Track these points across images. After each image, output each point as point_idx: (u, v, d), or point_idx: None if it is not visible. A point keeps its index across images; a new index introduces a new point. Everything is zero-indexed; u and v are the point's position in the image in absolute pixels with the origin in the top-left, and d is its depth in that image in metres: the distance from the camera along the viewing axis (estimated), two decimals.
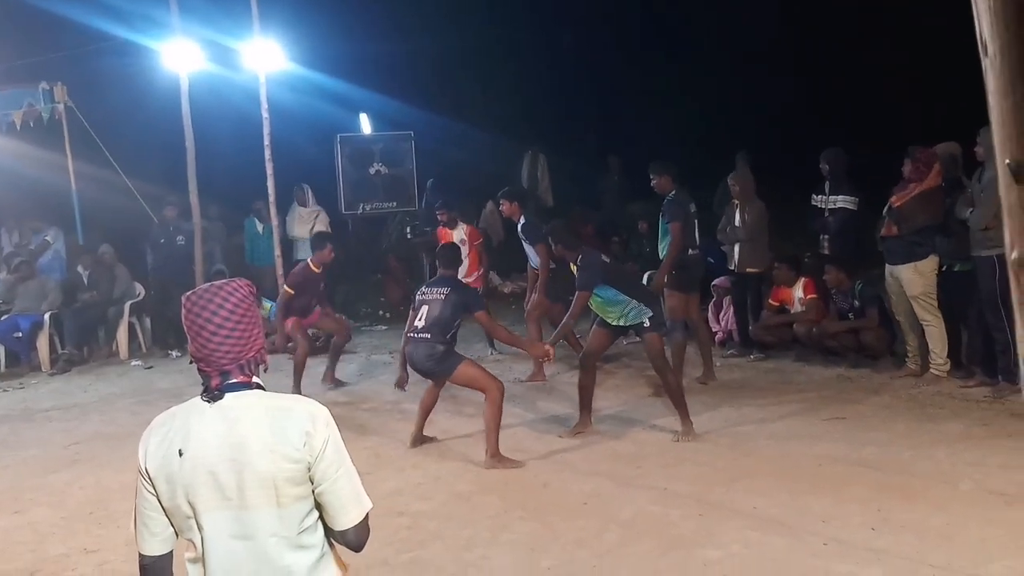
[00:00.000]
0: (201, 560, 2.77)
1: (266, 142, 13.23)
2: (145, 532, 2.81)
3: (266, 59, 12.54)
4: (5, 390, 11.52)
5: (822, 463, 7.17)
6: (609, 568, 5.58)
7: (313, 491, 2.81)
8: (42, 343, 12.41)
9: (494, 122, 17.52)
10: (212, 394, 2.78)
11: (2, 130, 13.25)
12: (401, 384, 8.35)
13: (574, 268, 7.99)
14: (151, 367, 12.39)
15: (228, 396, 2.78)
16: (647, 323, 7.92)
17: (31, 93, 13.47)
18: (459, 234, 11.40)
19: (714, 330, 11.28)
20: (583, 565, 5.64)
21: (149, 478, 2.75)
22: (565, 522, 6.31)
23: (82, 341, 12.98)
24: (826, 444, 7.62)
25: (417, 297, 8.00)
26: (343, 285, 14.84)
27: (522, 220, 10.68)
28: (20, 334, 12.40)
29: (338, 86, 15.45)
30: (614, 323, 8.02)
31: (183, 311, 2.85)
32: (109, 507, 7.05)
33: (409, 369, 8.11)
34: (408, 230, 15.87)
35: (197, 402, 2.80)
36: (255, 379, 2.85)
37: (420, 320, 7.81)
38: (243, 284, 2.88)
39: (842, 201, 10.30)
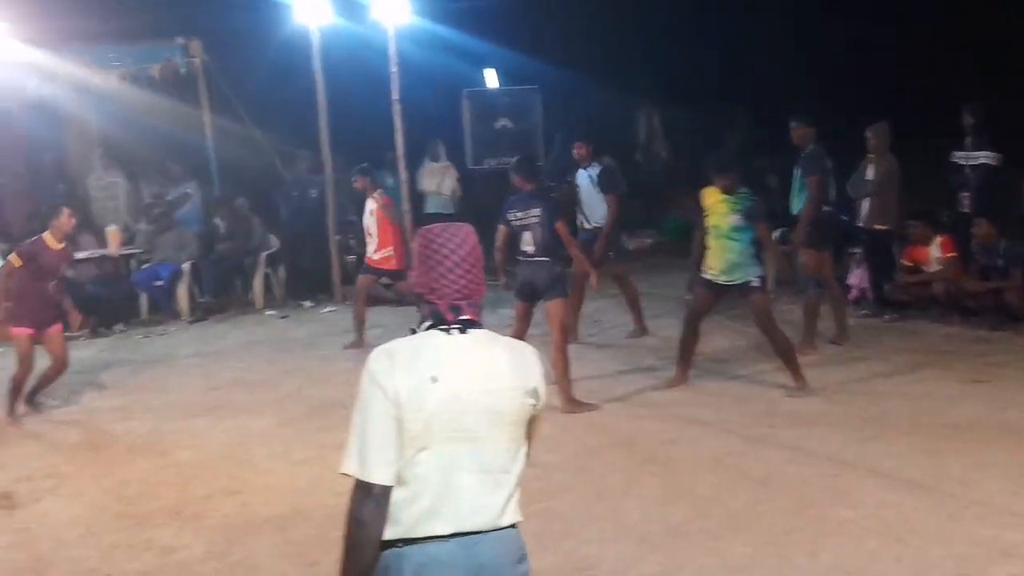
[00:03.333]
0: (414, 494, 2.74)
1: (395, 96, 13.35)
2: (382, 458, 2.71)
3: (394, 12, 12.62)
4: (147, 336, 11.96)
5: (960, 425, 6.99)
6: (743, 525, 5.55)
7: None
8: (182, 292, 12.82)
9: (617, 75, 17.31)
10: (457, 326, 2.81)
11: (141, 84, 13.61)
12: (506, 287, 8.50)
13: (721, 204, 7.85)
14: (285, 316, 12.70)
15: (471, 331, 2.82)
16: (756, 282, 7.84)
17: (168, 48, 13.82)
18: (370, 205, 10.52)
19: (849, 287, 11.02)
20: (716, 521, 5.63)
21: (397, 403, 2.72)
22: (696, 478, 6.30)
23: (219, 290, 13.38)
24: (965, 406, 7.42)
25: (512, 221, 8.05)
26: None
27: (597, 166, 10.24)
28: (161, 283, 12.83)
29: (464, 40, 15.43)
30: (723, 279, 7.91)
31: (420, 241, 2.89)
32: (249, 451, 7.28)
33: None
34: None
35: (436, 334, 2.81)
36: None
37: (528, 245, 7.95)
38: (472, 228, 2.94)
39: (984, 157, 9.94)
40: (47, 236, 8.44)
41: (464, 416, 2.75)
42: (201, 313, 12.82)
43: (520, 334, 8.32)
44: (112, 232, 13.18)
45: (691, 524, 5.62)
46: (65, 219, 8.50)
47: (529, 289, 8.07)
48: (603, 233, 10.02)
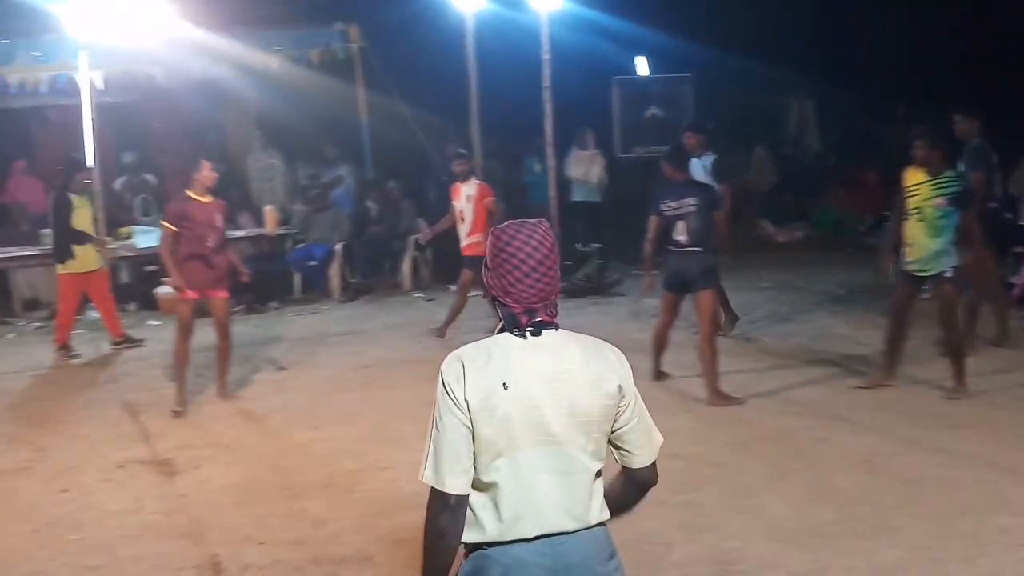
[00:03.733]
0: (499, 500, 2.74)
1: (545, 84, 13.39)
2: (456, 468, 2.71)
3: None
4: (300, 314, 12.32)
5: None
6: (893, 527, 5.42)
7: (614, 430, 2.84)
8: (334, 272, 13.16)
9: (771, 61, 16.97)
10: (529, 329, 2.78)
11: (300, 68, 13.96)
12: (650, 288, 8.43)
13: (925, 187, 7.49)
14: (432, 299, 12.90)
15: (544, 333, 2.79)
16: (949, 272, 7.55)
17: (327, 33, 14.16)
18: (468, 190, 10.22)
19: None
20: (865, 522, 5.50)
21: (469, 411, 2.71)
22: (845, 477, 6.17)
23: (369, 272, 13.69)
24: None
25: (664, 211, 7.95)
26: (615, 227, 14.88)
27: (710, 155, 10.03)
28: (314, 263, 13.20)
29: (616, 25, 15.35)
30: (919, 269, 7.62)
31: (495, 243, 2.82)
32: (397, 429, 7.42)
33: None
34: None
35: (509, 337, 2.78)
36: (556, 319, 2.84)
37: (681, 235, 7.86)
38: (548, 227, 2.87)
39: None
40: (191, 192, 8.14)
41: (539, 420, 2.72)
42: (352, 293, 13.13)
43: (667, 326, 8.29)
44: (269, 212, 13.62)
45: (839, 524, 5.50)
46: (206, 172, 8.20)
47: (679, 280, 8.00)
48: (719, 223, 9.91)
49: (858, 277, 12.42)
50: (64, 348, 10.33)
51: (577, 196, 14.65)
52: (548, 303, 2.80)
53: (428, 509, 2.75)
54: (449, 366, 2.77)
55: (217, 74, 13.68)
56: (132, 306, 12.61)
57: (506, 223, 2.87)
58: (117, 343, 10.59)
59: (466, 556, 2.82)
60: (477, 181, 10.28)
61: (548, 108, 13.40)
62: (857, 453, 6.57)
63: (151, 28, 11.97)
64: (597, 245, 13.27)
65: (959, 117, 8.89)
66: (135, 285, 13.22)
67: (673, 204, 7.92)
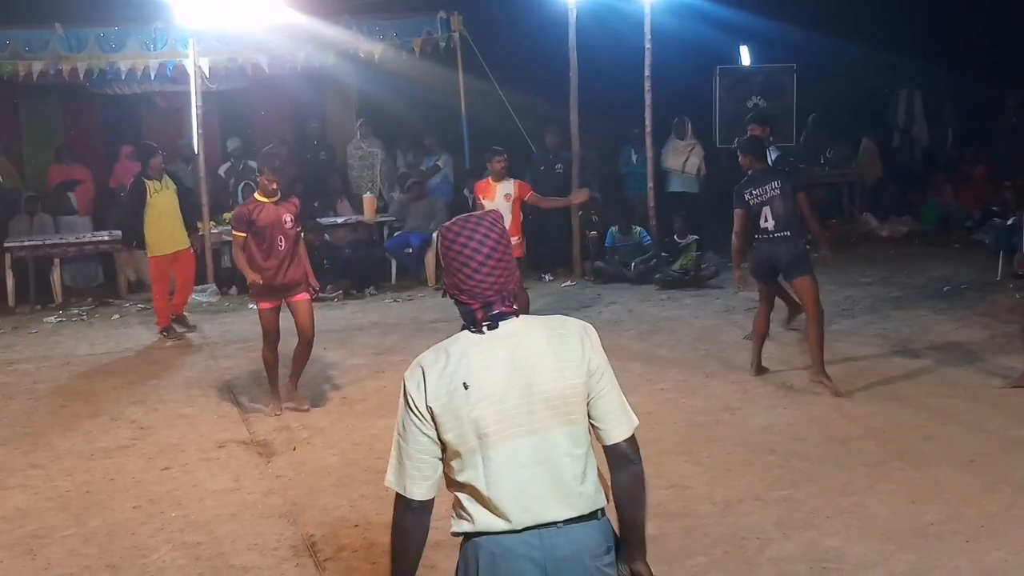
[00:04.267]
0: (481, 495, 2.73)
1: (646, 73, 13.31)
2: (416, 475, 2.75)
3: None
4: (396, 300, 12.42)
5: None
6: (998, 529, 5.26)
7: (588, 405, 2.81)
8: (430, 260, 13.23)
9: (879, 53, 16.57)
10: (486, 323, 2.75)
11: (403, 56, 14.06)
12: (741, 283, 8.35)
13: None
14: (526, 288, 12.87)
15: (502, 324, 2.76)
16: None
17: (430, 21, 14.21)
18: (506, 188, 9.84)
19: None
20: (969, 523, 5.35)
21: (431, 417, 2.71)
22: (949, 477, 6.00)
23: None
24: None
25: (749, 201, 7.87)
26: (711, 218, 14.67)
27: (775, 150, 9.87)
28: (411, 250, 13.30)
29: (720, 13, 15.10)
30: None
31: (442, 242, 2.81)
32: None
33: None
34: (783, 167, 15.45)
35: (467, 335, 2.76)
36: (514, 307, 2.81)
37: (768, 221, 7.77)
38: (499, 216, 2.85)
39: None
40: (256, 195, 7.78)
41: (508, 413, 2.69)
42: (443, 287, 13.16)
43: (764, 316, 8.18)
44: (368, 199, 13.74)
45: (942, 525, 5.35)
46: (265, 179, 7.74)
47: (768, 267, 7.89)
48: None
49: (963, 273, 12.08)
50: (166, 330, 10.58)
51: (674, 187, 14.48)
52: (505, 294, 2.78)
53: (394, 511, 2.81)
54: (411, 374, 2.77)
55: (320, 62, 13.84)
56: (233, 290, 12.85)
57: (452, 220, 2.85)
58: (176, 320, 10.84)
59: (461, 546, 2.83)
60: (515, 180, 10.03)
61: (648, 98, 13.32)
62: (962, 453, 6.38)
63: (257, 16, 12.17)
64: (694, 237, 13.11)
65: None
66: (236, 270, 13.45)
67: (756, 191, 7.83)
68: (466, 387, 2.69)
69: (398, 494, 2.79)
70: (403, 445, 2.76)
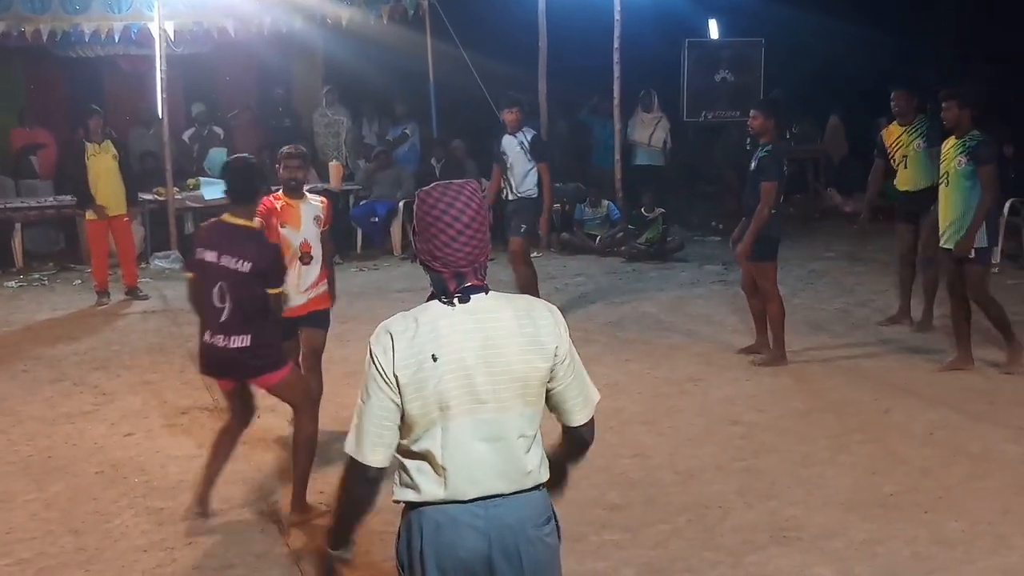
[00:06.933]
0: (435, 465, 2.72)
1: (615, 45, 13.29)
2: (377, 442, 2.73)
3: None
4: (361, 270, 12.38)
5: None
6: (956, 500, 5.35)
7: (550, 390, 2.81)
8: (395, 229, 13.19)
9: (849, 29, 16.53)
10: (457, 296, 2.72)
11: (371, 22, 13.92)
12: None
13: None
14: (492, 259, 12.84)
15: (473, 298, 2.73)
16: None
17: None
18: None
19: None
20: (927, 495, 5.44)
21: (397, 386, 2.69)
22: (909, 450, 6.09)
23: None
24: None
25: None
26: (676, 191, 14.71)
27: (530, 131, 9.60)
28: (376, 219, 13.24)
29: None
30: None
31: (420, 207, 2.76)
32: None
33: None
34: (748, 141, 15.50)
35: (436, 305, 2.74)
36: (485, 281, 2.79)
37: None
38: (478, 187, 2.82)
39: None
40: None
41: (472, 388, 2.69)
42: (412, 251, 13.15)
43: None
44: (334, 167, 13.65)
45: (902, 496, 5.44)
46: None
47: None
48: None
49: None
50: (101, 294, 10.56)
51: (640, 160, 14.48)
52: (478, 266, 2.75)
53: (346, 477, 2.81)
54: (377, 339, 2.73)
55: (287, 27, 13.69)
56: None
57: (431, 185, 2.80)
58: (128, 292, 10.75)
59: (403, 514, 2.83)
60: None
61: (617, 70, 13.31)
62: (921, 426, 6.48)
63: None
64: (660, 210, 13.16)
65: None
66: None
67: None
68: (435, 359, 2.66)
69: (353, 461, 2.77)
70: (366, 411, 2.74)
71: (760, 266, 7.80)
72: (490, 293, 2.77)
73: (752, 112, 7.95)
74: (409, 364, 2.67)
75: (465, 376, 2.68)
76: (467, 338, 2.69)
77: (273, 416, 6.97)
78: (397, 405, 2.71)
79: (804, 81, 16.46)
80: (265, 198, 5.78)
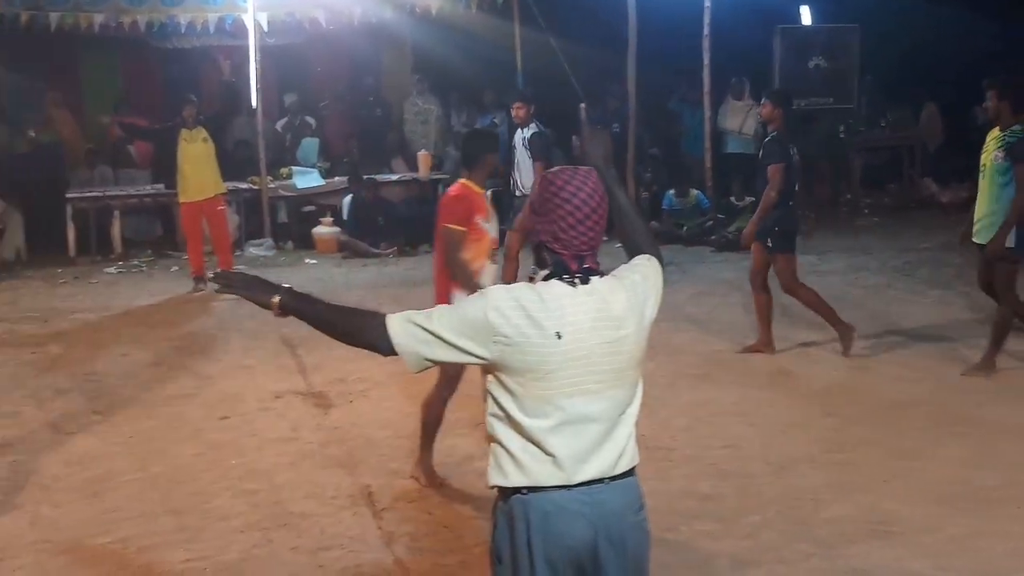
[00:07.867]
0: (543, 446, 2.68)
1: (705, 32, 13.16)
2: (420, 351, 2.70)
3: None
4: None
5: None
6: None
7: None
8: None
9: (947, 15, 16.13)
10: (579, 276, 2.73)
11: (460, 11, 13.97)
12: None
13: None
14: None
15: (592, 280, 2.74)
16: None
17: None
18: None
19: None
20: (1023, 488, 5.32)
21: (499, 348, 2.65)
22: (1006, 444, 5.97)
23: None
24: None
25: None
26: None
27: (532, 128, 9.69)
28: None
29: None
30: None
31: (547, 189, 2.76)
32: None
33: None
34: (841, 128, 15.27)
35: (558, 284, 2.72)
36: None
37: None
38: (597, 174, 2.82)
39: None
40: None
41: (588, 369, 2.68)
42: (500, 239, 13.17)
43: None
44: (423, 156, 13.75)
45: (998, 491, 5.33)
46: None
47: None
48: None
49: None
50: (198, 280, 10.76)
51: (730, 148, 14.33)
52: (595, 251, 2.77)
53: (371, 328, 2.76)
54: (503, 298, 2.67)
55: (377, 17, 13.82)
56: (289, 245, 12.96)
57: (558, 168, 2.82)
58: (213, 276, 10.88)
59: (502, 498, 2.77)
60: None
61: (707, 57, 13.17)
62: (1018, 421, 6.32)
63: None
64: (751, 199, 13.00)
65: None
66: (293, 224, 13.59)
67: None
68: (559, 336, 2.65)
69: (385, 331, 2.72)
70: (440, 325, 2.68)
71: (776, 258, 7.74)
72: (605, 277, 2.80)
73: (763, 100, 8.10)
74: (531, 335, 2.65)
75: (585, 356, 2.68)
76: (589, 318, 2.69)
77: (364, 402, 7.07)
78: (466, 359, 2.70)
79: (899, 67, 16.11)
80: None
